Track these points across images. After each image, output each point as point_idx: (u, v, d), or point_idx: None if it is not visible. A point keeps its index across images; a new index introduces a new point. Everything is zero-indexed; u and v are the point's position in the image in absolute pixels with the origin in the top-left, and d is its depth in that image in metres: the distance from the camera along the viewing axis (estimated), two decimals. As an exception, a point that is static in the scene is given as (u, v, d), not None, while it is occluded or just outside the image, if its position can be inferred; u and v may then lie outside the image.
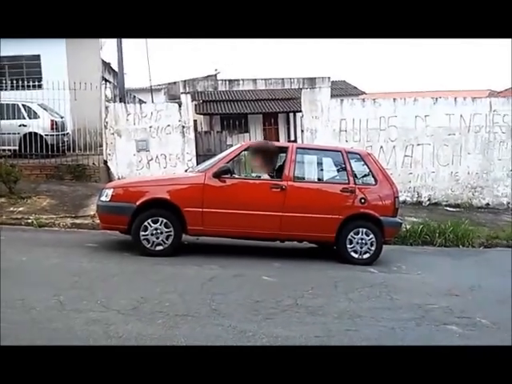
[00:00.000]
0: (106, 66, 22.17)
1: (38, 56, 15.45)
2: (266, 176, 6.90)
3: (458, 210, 11.04)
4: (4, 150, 11.81)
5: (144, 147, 11.35)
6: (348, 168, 6.75)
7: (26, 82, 12.49)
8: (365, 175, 6.95)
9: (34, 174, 10.98)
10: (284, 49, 64.68)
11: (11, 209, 8.63)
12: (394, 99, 11.81)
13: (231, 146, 15.06)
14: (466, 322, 4.40)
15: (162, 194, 6.26)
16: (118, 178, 11.21)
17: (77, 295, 4.36)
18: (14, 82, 12.94)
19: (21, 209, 8.66)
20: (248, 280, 5.31)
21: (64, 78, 12.45)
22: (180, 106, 11.51)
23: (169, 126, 11.41)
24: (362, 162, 6.94)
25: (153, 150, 11.38)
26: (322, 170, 7.12)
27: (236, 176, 6.81)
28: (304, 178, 6.84)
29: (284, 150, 6.93)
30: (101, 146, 11.85)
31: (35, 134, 11.89)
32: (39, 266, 5.29)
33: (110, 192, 6.36)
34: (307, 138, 11.56)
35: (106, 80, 17.06)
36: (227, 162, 6.53)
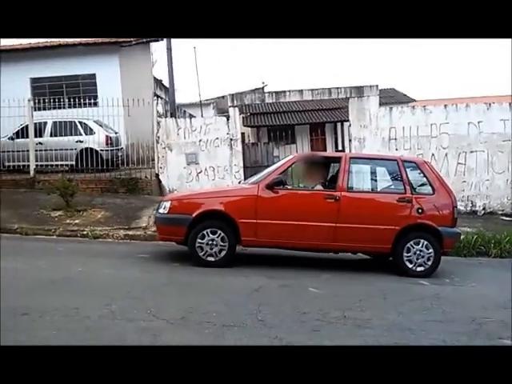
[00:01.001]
0: (158, 82, 22.93)
1: (94, 75, 16.19)
2: (319, 187, 6.88)
3: (515, 219, 10.54)
4: (62, 165, 12.47)
5: (193, 160, 11.62)
6: (404, 177, 6.62)
7: (82, 100, 13.13)
8: (422, 184, 6.80)
9: (89, 187, 11.45)
10: (331, 57, 64.44)
11: (68, 221, 9.04)
12: (445, 105, 11.49)
13: (278, 157, 15.21)
14: (522, 337, 4.20)
15: (217, 205, 6.41)
16: (169, 191, 11.54)
17: (128, 305, 4.50)
18: (71, 100, 13.66)
19: (77, 221, 9.06)
20: (295, 291, 5.31)
21: (118, 95, 12.96)
22: (228, 120, 11.71)
23: (217, 139, 11.63)
24: (419, 171, 6.80)
25: (202, 162, 11.62)
26: (376, 179, 7.02)
27: (289, 187, 6.84)
28: (358, 188, 6.78)
29: (337, 160, 6.91)
30: (153, 159, 12.23)
31: (91, 149, 12.42)
32: (93, 276, 5.52)
33: (167, 204, 6.56)
34: (355, 147, 11.44)
35: (158, 96, 17.61)
36: (280, 174, 6.59)
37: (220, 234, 6.24)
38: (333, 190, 6.53)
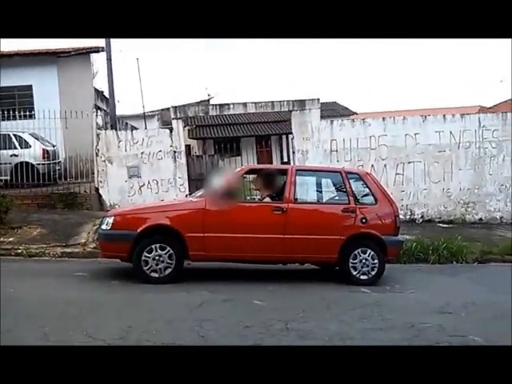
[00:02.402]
0: (99, 94, 22.33)
1: (30, 86, 15.59)
2: (266, 199, 6.87)
3: (451, 226, 11.00)
4: (-4, 180, 11.83)
5: (135, 173, 11.34)
6: (348, 188, 6.75)
7: (18, 112, 12.56)
8: (365, 195, 6.95)
9: (25, 203, 10.92)
10: (277, 71, 65.52)
11: (1, 239, 8.55)
12: (384, 118, 11.89)
13: (223, 169, 15.15)
14: (459, 341, 4.32)
15: (162, 220, 6.24)
16: (110, 205, 11.20)
17: (63, 325, 4.28)
18: (6, 112, 13.02)
19: (11, 239, 8.59)
20: (238, 305, 5.24)
21: (56, 107, 12.52)
22: (171, 132, 11.55)
23: (160, 151, 11.42)
24: (362, 182, 6.96)
25: (144, 175, 11.36)
26: (322, 190, 7.15)
27: (237, 200, 6.77)
28: (305, 200, 6.84)
29: (284, 172, 6.95)
30: (93, 173, 11.84)
31: (27, 163, 11.88)
32: (26, 297, 5.19)
33: (110, 220, 6.34)
34: (299, 159, 11.58)
35: (99, 108, 17.16)
36: (228, 186, 6.54)
37: (168, 251, 6.08)
38: (280, 201, 6.55)
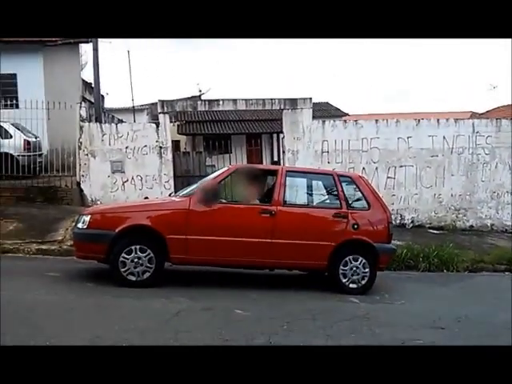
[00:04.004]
0: (87, 85, 21.82)
1: (15, 75, 15.10)
2: (254, 201, 6.53)
3: (441, 232, 10.78)
4: (-26, 172, 11.37)
5: (119, 168, 10.93)
6: (340, 192, 6.45)
7: (1, 101, 12.10)
8: (357, 199, 6.63)
9: (3, 196, 10.46)
10: (272, 71, 65.20)
11: (-26, 234, 8.14)
12: (376, 120, 11.62)
13: (213, 166, 14.79)
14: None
15: (143, 220, 5.86)
16: (92, 201, 10.81)
17: (25, 334, 3.91)
18: (-12, 101, 12.55)
19: (-16, 234, 8.18)
20: (218, 314, 4.90)
21: (41, 97, 12.05)
22: (158, 127, 11.16)
23: (145, 146, 11.01)
24: (354, 186, 6.65)
25: (128, 171, 10.95)
26: (312, 194, 6.81)
27: (223, 201, 6.43)
28: (294, 203, 6.49)
29: (273, 173, 6.62)
30: (75, 167, 11.42)
31: (7, 154, 11.43)
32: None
33: (87, 218, 5.94)
34: (289, 159, 11.27)
35: (87, 100, 16.71)
36: (214, 186, 6.18)
37: (148, 253, 5.72)
38: (268, 204, 6.23)
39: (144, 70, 51.19)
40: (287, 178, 6.37)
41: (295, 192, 6.66)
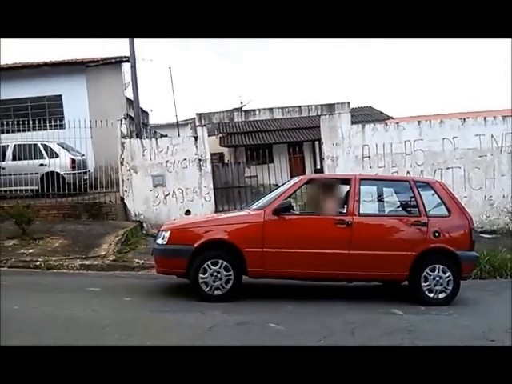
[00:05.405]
0: (131, 103, 22.41)
1: (60, 96, 15.72)
2: (328, 211, 6.33)
3: (494, 236, 10.22)
4: (25, 191, 11.84)
5: (160, 182, 11.09)
6: (418, 199, 6.22)
7: (48, 122, 12.57)
8: (436, 205, 6.36)
9: (51, 213, 10.82)
10: (312, 78, 64.87)
11: (22, 251, 8.42)
12: (419, 122, 11.24)
13: (254, 177, 14.73)
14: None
15: (220, 234, 5.90)
16: (135, 215, 11.02)
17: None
18: (37, 122, 13.05)
19: (31, 250, 8.44)
20: (252, 329, 4.76)
21: (86, 117, 12.42)
22: (196, 140, 11.25)
23: (185, 159, 11.14)
24: (432, 192, 6.41)
25: (169, 184, 11.10)
26: (389, 202, 6.65)
27: (297, 212, 6.33)
28: (371, 212, 6.32)
29: (346, 181, 6.47)
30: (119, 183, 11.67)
31: (53, 173, 11.83)
32: (27, 315, 4.91)
33: (166, 234, 6.01)
34: (328, 165, 11.08)
35: (131, 117, 17.14)
36: (286, 198, 6.14)
37: (222, 264, 5.75)
38: (344, 214, 6.09)
39: (187, 85, 52.32)
40: (361, 187, 6.22)
41: (371, 200, 6.50)
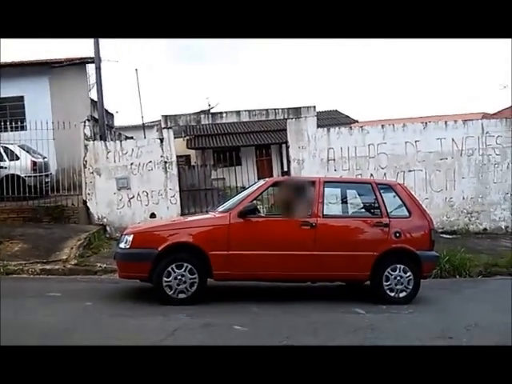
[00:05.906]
0: (96, 104, 22.01)
1: (22, 97, 15.32)
2: (293, 213, 6.38)
3: (454, 236, 10.51)
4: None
5: (125, 185, 10.93)
6: (380, 201, 6.34)
7: (9, 124, 12.20)
8: (397, 207, 6.50)
9: (10, 217, 10.52)
10: (280, 82, 65.32)
11: (-21, 256, 8.15)
12: (383, 126, 11.48)
13: (221, 179, 14.68)
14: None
15: (185, 237, 5.86)
16: (98, 218, 10.84)
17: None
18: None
19: (-11, 255, 8.18)
20: (216, 331, 4.75)
21: (48, 118, 12.13)
22: (162, 142, 11.15)
23: (150, 162, 11.03)
24: (394, 194, 6.54)
25: (134, 187, 10.96)
26: (352, 203, 6.76)
27: (262, 215, 6.35)
28: (335, 214, 6.42)
29: (310, 184, 6.53)
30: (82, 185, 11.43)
31: (13, 175, 11.51)
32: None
33: (129, 238, 5.90)
34: (294, 168, 11.16)
35: (95, 118, 16.84)
36: (252, 201, 6.15)
37: (187, 267, 5.69)
38: (308, 216, 6.14)
39: (153, 87, 51.84)
40: (325, 189, 6.30)
41: (334, 202, 6.61)
